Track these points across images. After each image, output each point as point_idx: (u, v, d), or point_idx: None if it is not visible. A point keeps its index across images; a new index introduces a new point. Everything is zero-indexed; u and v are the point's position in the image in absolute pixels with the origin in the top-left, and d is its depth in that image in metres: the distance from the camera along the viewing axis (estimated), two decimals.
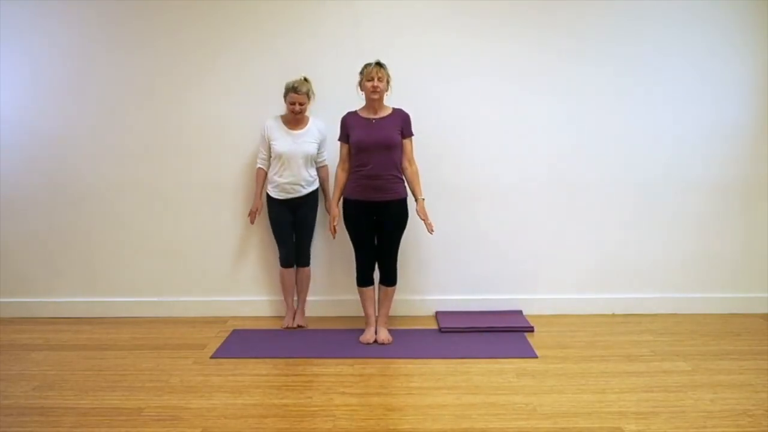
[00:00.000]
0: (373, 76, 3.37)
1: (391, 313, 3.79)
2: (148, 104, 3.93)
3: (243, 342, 3.59)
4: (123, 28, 3.86)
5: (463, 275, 4.03)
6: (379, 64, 3.40)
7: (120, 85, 3.91)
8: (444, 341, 3.58)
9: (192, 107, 3.92)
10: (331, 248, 3.97)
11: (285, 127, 3.67)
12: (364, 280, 3.59)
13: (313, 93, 3.68)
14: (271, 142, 3.65)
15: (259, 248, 4.03)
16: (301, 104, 3.57)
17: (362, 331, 3.62)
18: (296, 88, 3.55)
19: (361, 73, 3.44)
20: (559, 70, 3.87)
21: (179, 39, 3.87)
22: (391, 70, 3.52)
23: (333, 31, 3.85)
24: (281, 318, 3.96)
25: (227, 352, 3.43)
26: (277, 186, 3.67)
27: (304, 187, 3.67)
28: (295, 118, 3.66)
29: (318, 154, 3.74)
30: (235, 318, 4.03)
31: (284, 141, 3.63)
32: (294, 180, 3.64)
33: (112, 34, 3.87)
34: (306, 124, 3.69)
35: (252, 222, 3.80)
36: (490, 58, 3.87)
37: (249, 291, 4.08)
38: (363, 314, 3.67)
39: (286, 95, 3.60)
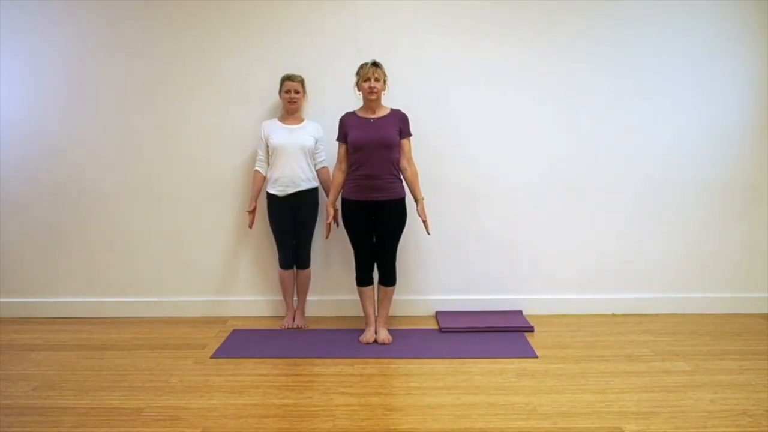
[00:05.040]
0: (370, 77, 3.37)
1: (391, 313, 3.79)
2: (148, 105, 3.93)
3: (243, 342, 3.59)
4: (123, 29, 3.87)
5: (463, 275, 4.03)
6: (375, 64, 3.40)
7: (120, 86, 3.91)
8: (444, 341, 3.58)
9: (192, 108, 3.93)
10: (331, 248, 3.97)
11: (281, 124, 3.71)
12: (363, 279, 3.59)
13: (306, 93, 3.74)
14: (269, 139, 3.66)
15: (258, 248, 4.03)
16: (296, 92, 3.65)
17: (362, 331, 3.62)
18: (290, 76, 3.68)
19: (358, 73, 3.45)
20: (558, 71, 3.87)
21: (179, 40, 3.87)
22: (392, 71, 3.53)
23: (333, 33, 3.85)
24: (281, 318, 3.96)
25: (227, 352, 3.43)
26: (276, 181, 3.66)
27: (303, 181, 3.67)
28: (291, 110, 3.69)
29: (316, 153, 3.75)
30: (235, 318, 4.03)
31: (280, 134, 3.66)
32: (292, 173, 3.63)
33: (112, 35, 3.87)
34: (302, 122, 3.74)
35: (250, 225, 3.80)
36: (491, 60, 3.87)
37: (249, 291, 4.09)
38: (363, 314, 3.67)
39: (281, 87, 3.69)
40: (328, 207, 3.58)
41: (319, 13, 3.84)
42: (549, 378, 3.02)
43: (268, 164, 3.73)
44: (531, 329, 3.72)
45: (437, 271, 4.04)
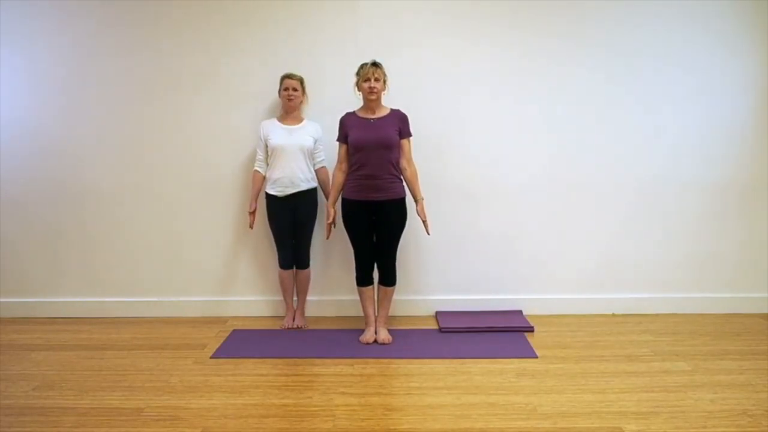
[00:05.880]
0: (370, 77, 3.37)
1: (391, 313, 3.79)
2: (148, 105, 3.93)
3: (243, 342, 3.59)
4: (123, 30, 3.86)
5: (463, 275, 4.03)
6: (375, 64, 3.41)
7: (120, 87, 3.91)
8: (444, 341, 3.58)
9: (192, 108, 3.93)
10: (331, 248, 3.97)
11: (280, 124, 3.72)
12: (363, 279, 3.59)
13: (305, 93, 3.75)
14: (268, 140, 3.67)
15: (258, 248, 4.03)
16: (294, 89, 3.66)
17: (362, 331, 3.62)
18: (290, 74, 3.69)
19: (357, 73, 3.45)
20: (558, 71, 3.87)
21: (179, 40, 3.87)
22: (392, 71, 3.53)
23: (333, 33, 3.85)
24: (281, 318, 3.96)
25: (227, 352, 3.43)
26: (275, 182, 3.66)
27: (302, 181, 3.67)
28: (289, 108, 3.69)
29: (315, 153, 3.75)
30: (235, 318, 4.03)
31: (280, 135, 3.66)
32: (292, 173, 3.63)
33: (112, 35, 3.87)
34: (301, 122, 3.74)
35: (251, 226, 3.80)
36: (491, 60, 3.87)
37: (249, 291, 4.09)
38: (363, 314, 3.67)
39: (280, 86, 3.70)
40: (329, 208, 3.58)
41: (319, 14, 3.84)
42: (549, 378, 3.02)
43: (268, 164, 3.73)
44: (531, 329, 3.72)
45: (437, 271, 4.04)
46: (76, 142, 3.96)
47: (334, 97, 3.74)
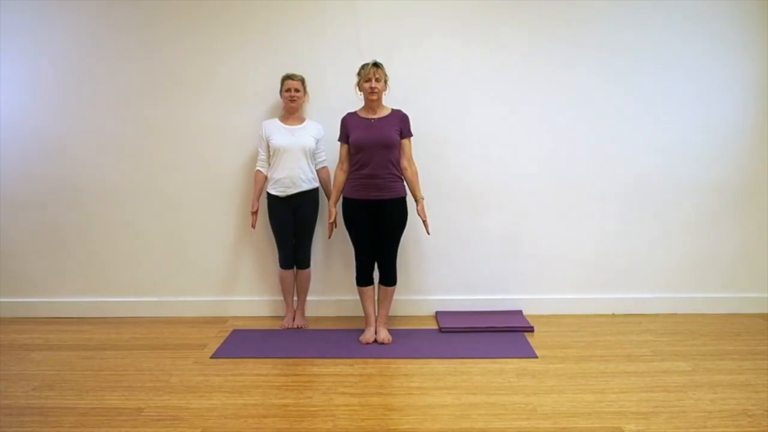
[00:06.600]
0: (371, 77, 3.38)
1: (391, 313, 3.79)
2: (149, 105, 3.93)
3: (243, 342, 3.59)
4: (123, 30, 3.87)
5: (463, 275, 4.04)
6: (376, 65, 3.41)
7: (122, 87, 3.91)
8: (444, 341, 3.58)
9: (192, 108, 3.93)
10: (331, 248, 3.98)
11: (282, 124, 3.71)
12: (363, 279, 3.59)
13: (307, 93, 3.75)
14: (270, 140, 3.66)
15: (259, 248, 4.03)
16: (296, 90, 3.65)
17: (362, 331, 3.62)
18: (291, 75, 3.69)
19: (359, 74, 3.45)
20: (557, 72, 3.88)
21: (179, 41, 3.87)
22: (392, 71, 3.53)
23: (334, 34, 3.85)
24: (281, 318, 3.96)
25: (227, 352, 3.43)
26: (277, 182, 3.66)
27: (304, 182, 3.67)
28: (291, 109, 3.69)
29: (317, 153, 3.75)
30: (235, 318, 4.04)
31: (282, 135, 3.66)
32: (293, 173, 3.63)
33: (112, 36, 3.87)
34: (303, 122, 3.74)
35: (253, 226, 3.80)
36: (491, 60, 3.88)
37: (249, 291, 4.09)
38: (363, 314, 3.67)
39: (282, 86, 3.69)
40: (330, 207, 3.59)
41: (320, 14, 3.84)
42: (549, 378, 3.02)
43: (269, 164, 3.73)
44: (531, 329, 3.72)
45: (437, 271, 4.04)
46: (76, 142, 3.96)
47: (336, 98, 3.74)
